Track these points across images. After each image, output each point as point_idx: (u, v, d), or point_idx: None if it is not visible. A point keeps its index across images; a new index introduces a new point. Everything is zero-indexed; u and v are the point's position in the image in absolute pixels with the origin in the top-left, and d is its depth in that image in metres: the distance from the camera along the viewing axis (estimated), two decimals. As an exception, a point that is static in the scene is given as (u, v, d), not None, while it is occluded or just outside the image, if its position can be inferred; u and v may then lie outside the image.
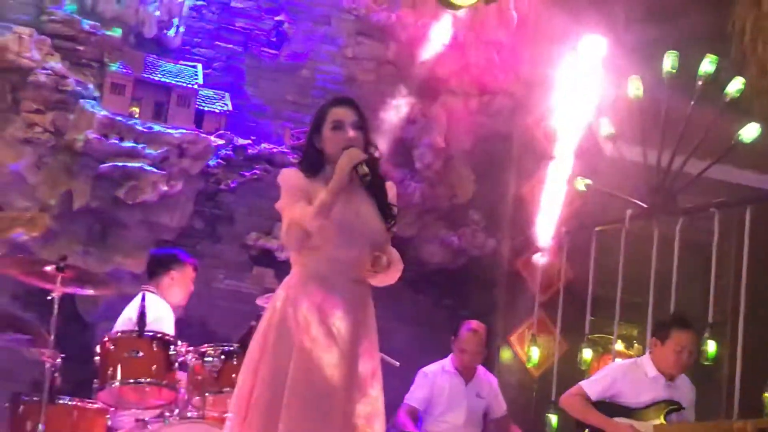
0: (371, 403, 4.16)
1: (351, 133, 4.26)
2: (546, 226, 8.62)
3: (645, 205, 7.66)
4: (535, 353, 8.42)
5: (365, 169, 4.18)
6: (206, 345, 5.63)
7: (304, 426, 4.00)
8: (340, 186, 4.14)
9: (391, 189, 4.38)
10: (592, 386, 6.23)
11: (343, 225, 4.15)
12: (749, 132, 7.12)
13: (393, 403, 7.36)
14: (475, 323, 7.16)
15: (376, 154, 4.35)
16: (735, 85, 7.29)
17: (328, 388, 4.05)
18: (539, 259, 8.45)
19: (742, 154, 7.58)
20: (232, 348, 5.62)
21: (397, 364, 6.32)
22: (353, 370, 4.13)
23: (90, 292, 6.16)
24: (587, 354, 7.99)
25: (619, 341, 8.21)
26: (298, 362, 4.06)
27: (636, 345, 9.13)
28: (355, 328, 4.18)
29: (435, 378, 7.01)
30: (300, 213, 4.10)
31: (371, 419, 4.14)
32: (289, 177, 4.27)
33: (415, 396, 6.96)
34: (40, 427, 5.31)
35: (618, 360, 7.08)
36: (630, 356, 8.58)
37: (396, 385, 7.35)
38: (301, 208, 4.11)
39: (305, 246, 4.15)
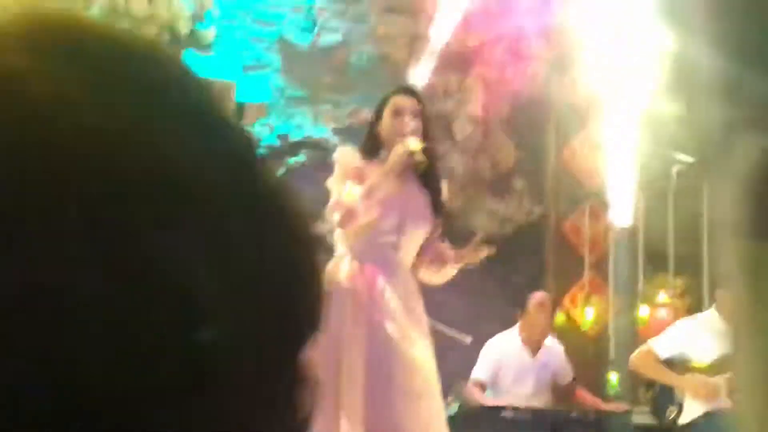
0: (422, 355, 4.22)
1: (409, 121, 4.33)
2: (590, 187, 8.65)
3: (691, 159, 7.64)
4: (589, 314, 8.46)
5: (419, 153, 4.25)
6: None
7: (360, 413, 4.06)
8: (391, 169, 4.21)
9: (444, 187, 4.47)
10: (661, 344, 6.26)
11: (389, 209, 4.21)
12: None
13: (457, 373, 7.42)
14: (540, 296, 7.18)
15: (432, 147, 4.43)
16: None
17: (377, 369, 4.10)
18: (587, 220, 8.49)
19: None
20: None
21: (468, 340, 6.35)
22: (406, 351, 4.18)
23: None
24: (643, 311, 8.01)
25: (667, 295, 8.22)
26: (348, 349, 4.11)
27: (685, 296, 9.14)
28: (399, 313, 4.23)
29: (502, 352, 7.03)
30: (348, 192, 4.16)
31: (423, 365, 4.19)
32: (344, 155, 4.36)
33: (482, 369, 6.99)
34: None
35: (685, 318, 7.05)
36: (677, 307, 8.61)
37: (455, 356, 7.40)
38: (352, 185, 4.18)
39: (350, 227, 4.22)
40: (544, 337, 7.13)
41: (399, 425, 4.08)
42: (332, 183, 4.30)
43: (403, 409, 4.10)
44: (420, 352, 4.20)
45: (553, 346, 7.23)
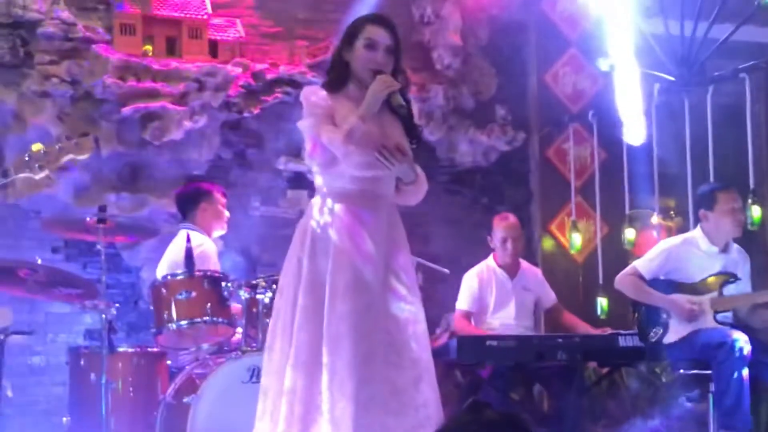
0: (410, 311, 4.17)
1: (383, 56, 4.22)
2: (573, 110, 8.57)
3: (672, 78, 7.54)
4: (576, 239, 8.41)
5: (400, 99, 4.17)
6: (256, 277, 5.65)
7: (345, 346, 4.01)
8: (370, 113, 4.12)
9: (415, 109, 4.41)
10: (647, 265, 6.22)
11: (369, 145, 4.11)
12: (772, -9, 6.95)
13: (445, 307, 7.41)
14: (503, 213, 7.19)
15: (404, 82, 4.33)
16: (752, -56, 7.10)
17: (363, 310, 4.06)
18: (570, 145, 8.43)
19: (766, 13, 7.42)
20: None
21: (447, 271, 6.32)
22: (387, 287, 4.13)
23: (133, 239, 6.17)
24: (630, 233, 7.95)
25: (656, 215, 8.17)
26: (333, 290, 4.06)
27: (675, 217, 9.10)
28: (385, 246, 4.17)
29: (481, 278, 7.01)
30: (328, 135, 4.07)
31: (408, 323, 4.15)
32: (312, 95, 4.23)
33: (465, 300, 6.97)
34: (104, 377, 5.34)
35: (670, 239, 6.97)
36: (670, 227, 8.56)
37: (443, 289, 7.38)
38: (328, 131, 4.08)
39: (333, 168, 4.13)
40: (519, 249, 7.08)
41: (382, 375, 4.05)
42: (305, 125, 4.19)
43: (384, 358, 4.07)
44: (399, 302, 4.16)
45: (531, 269, 7.19)
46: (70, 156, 5.09)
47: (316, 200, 4.27)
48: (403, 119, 4.26)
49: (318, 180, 4.28)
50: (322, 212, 4.19)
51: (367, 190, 4.19)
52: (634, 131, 7.61)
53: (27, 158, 5.05)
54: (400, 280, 4.18)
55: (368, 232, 4.15)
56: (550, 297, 7.16)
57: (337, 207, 4.16)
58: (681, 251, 6.22)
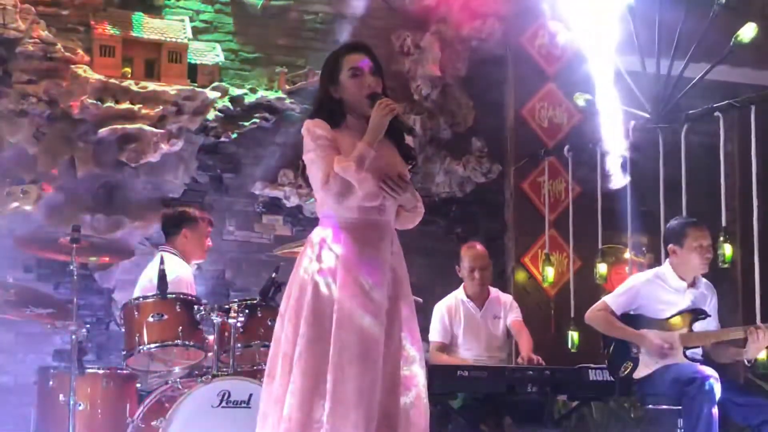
0: (409, 347, 4.19)
1: (371, 79, 4.23)
2: (549, 145, 8.64)
3: (647, 115, 7.61)
4: (549, 272, 8.46)
5: (406, 120, 4.19)
6: (229, 302, 5.64)
7: (351, 375, 4.02)
8: (377, 138, 4.12)
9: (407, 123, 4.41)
10: (616, 300, 6.24)
11: (374, 173, 4.14)
12: (747, 32, 7.03)
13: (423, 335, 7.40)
14: (470, 242, 7.19)
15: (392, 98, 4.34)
16: (727, -14, 7.18)
17: (370, 339, 4.07)
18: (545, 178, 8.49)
19: (741, 54, 7.51)
20: (254, 301, 5.63)
21: (420, 300, 6.31)
22: (392, 317, 4.15)
23: (106, 260, 6.15)
24: (602, 268, 7.99)
25: (628, 251, 8.22)
26: (340, 318, 4.07)
27: (647, 253, 9.15)
28: (389, 274, 4.19)
29: (449, 309, 7.01)
30: (341, 165, 4.07)
31: (410, 361, 4.17)
32: (315, 127, 4.18)
33: (436, 331, 6.97)
34: (72, 398, 5.31)
35: (639, 273, 7.01)
36: (642, 263, 8.61)
37: (419, 318, 7.37)
38: (340, 161, 4.08)
39: (348, 197, 4.13)
40: (487, 278, 7.07)
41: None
42: (311, 157, 4.16)
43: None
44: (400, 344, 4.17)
45: (499, 297, 7.17)
46: (15, 204, 5.06)
47: (319, 233, 4.26)
48: (395, 139, 4.27)
49: (324, 211, 4.26)
50: (324, 246, 4.19)
51: (373, 219, 4.19)
52: (616, 174, 7.68)
53: None
54: (402, 309, 4.21)
55: (374, 268, 4.15)
56: (513, 316, 7.11)
57: (339, 248, 4.15)
58: (650, 286, 6.25)
